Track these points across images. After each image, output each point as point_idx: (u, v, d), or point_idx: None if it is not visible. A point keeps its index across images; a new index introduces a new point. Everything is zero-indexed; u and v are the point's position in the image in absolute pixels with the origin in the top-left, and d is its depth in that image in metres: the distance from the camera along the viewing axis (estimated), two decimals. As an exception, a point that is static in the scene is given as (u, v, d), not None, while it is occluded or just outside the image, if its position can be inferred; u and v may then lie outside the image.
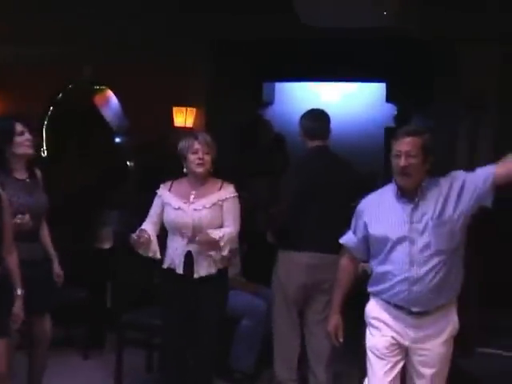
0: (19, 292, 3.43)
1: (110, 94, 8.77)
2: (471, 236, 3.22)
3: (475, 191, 3.14)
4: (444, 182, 3.20)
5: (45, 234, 4.05)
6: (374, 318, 3.32)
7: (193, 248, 3.88)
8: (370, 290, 3.36)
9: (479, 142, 7.33)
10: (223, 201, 3.95)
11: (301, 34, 7.14)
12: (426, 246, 3.14)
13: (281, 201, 4.26)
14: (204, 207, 3.92)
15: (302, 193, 4.20)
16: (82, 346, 5.26)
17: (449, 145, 7.36)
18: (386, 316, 3.27)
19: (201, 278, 3.89)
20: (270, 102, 9.54)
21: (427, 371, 3.24)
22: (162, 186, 4.07)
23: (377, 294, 3.31)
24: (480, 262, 4.24)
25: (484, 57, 7.10)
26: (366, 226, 3.31)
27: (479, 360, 4.31)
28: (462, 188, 3.15)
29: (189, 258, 3.90)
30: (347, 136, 7.91)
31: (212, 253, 3.86)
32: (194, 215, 3.89)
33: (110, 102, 8.83)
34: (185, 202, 3.94)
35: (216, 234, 3.84)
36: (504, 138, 7.25)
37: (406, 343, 3.24)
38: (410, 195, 3.19)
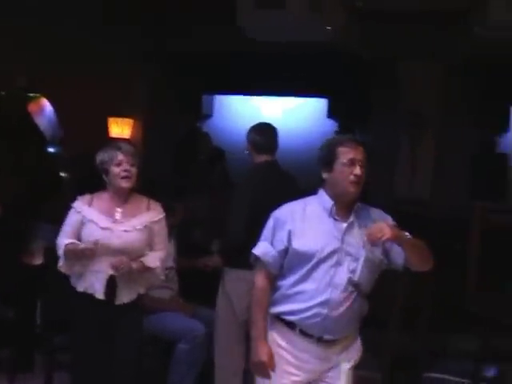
0: None
1: (45, 102, 8.54)
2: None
3: (395, 253, 2.95)
4: (376, 216, 3.00)
5: None
6: (276, 354, 3.01)
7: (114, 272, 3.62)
8: (273, 310, 3.05)
9: (419, 156, 7.38)
10: (154, 223, 3.73)
11: (242, 47, 7.10)
12: (352, 272, 2.94)
13: (234, 220, 4.15)
14: (134, 229, 3.67)
15: (254, 210, 4.06)
16: (8, 370, 5.00)
17: (389, 159, 7.37)
18: (289, 349, 3.02)
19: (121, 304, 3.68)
20: (209, 115, 9.42)
21: None
22: (79, 199, 3.73)
23: (281, 316, 3.02)
24: (430, 287, 4.20)
25: (423, 71, 7.18)
26: (289, 238, 2.99)
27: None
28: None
29: (110, 283, 3.64)
30: (288, 151, 7.82)
31: (144, 279, 3.71)
32: (123, 237, 3.63)
33: (45, 111, 8.60)
34: (113, 222, 3.64)
35: (151, 262, 3.68)
36: (444, 151, 7.34)
37: (311, 378, 3.05)
38: (343, 213, 2.98)
